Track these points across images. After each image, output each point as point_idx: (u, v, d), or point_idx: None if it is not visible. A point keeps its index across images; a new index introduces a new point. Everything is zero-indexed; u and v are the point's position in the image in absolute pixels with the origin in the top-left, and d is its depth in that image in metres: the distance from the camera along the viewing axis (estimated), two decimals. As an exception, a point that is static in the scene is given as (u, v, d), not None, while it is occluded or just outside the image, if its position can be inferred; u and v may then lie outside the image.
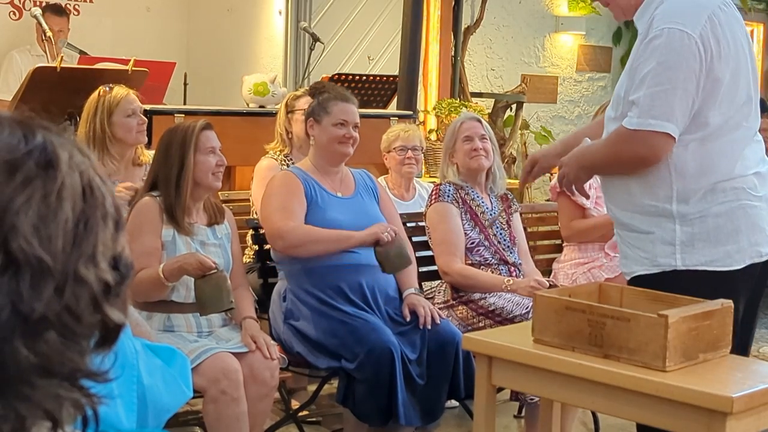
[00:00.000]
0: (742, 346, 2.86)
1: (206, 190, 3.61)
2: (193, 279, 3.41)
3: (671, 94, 2.63)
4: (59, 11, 6.96)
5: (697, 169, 2.70)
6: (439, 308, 3.93)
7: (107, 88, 4.20)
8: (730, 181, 2.74)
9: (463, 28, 7.67)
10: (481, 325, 3.94)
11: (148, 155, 4.16)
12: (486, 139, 4.24)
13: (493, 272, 4.09)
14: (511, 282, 4.01)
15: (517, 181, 7.98)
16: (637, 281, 2.82)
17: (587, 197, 2.99)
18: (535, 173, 3.21)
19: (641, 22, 2.78)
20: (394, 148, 4.77)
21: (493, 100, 7.98)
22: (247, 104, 5.53)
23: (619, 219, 2.86)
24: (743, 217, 2.75)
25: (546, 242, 5.01)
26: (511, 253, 4.20)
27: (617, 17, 2.95)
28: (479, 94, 7.97)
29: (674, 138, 2.65)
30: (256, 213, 4.29)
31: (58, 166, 0.86)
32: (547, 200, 5.22)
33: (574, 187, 2.91)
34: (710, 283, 2.72)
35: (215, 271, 3.36)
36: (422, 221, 4.27)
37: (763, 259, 2.80)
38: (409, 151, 4.77)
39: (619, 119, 2.75)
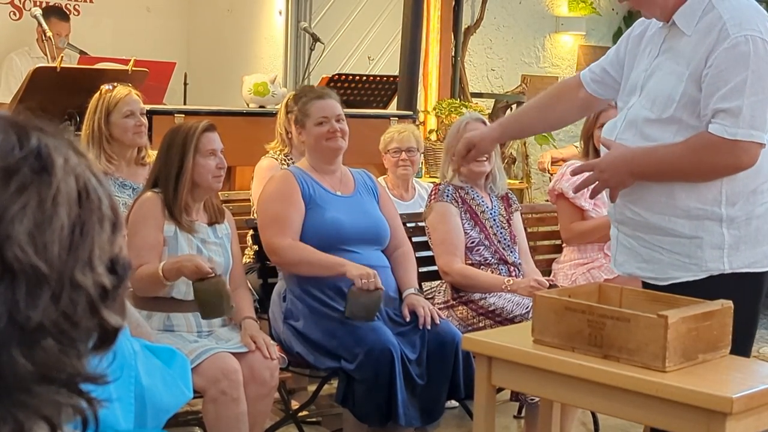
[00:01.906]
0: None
1: (206, 191, 3.61)
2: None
3: (765, 104, 2.61)
4: (63, 16, 6.96)
5: (746, 173, 2.68)
6: (439, 308, 3.93)
7: (110, 87, 4.20)
8: (767, 182, 2.76)
9: (463, 29, 7.67)
10: (481, 325, 3.93)
11: (153, 155, 4.16)
12: (490, 141, 4.24)
13: (492, 272, 4.09)
14: (511, 282, 4.00)
15: (517, 181, 7.99)
16: (680, 287, 2.74)
17: (614, 201, 2.89)
18: (471, 156, 3.16)
19: (686, 21, 2.69)
20: (389, 150, 4.76)
21: (494, 100, 7.97)
22: (247, 104, 5.53)
23: (649, 222, 2.76)
24: None
25: (546, 242, 5.01)
26: (511, 252, 4.19)
27: (650, 15, 2.80)
28: (479, 95, 7.96)
29: (764, 147, 2.63)
30: (256, 213, 4.29)
31: (53, 171, 0.86)
32: (547, 201, 5.23)
33: (607, 194, 2.81)
34: (749, 285, 2.72)
35: (212, 276, 3.36)
36: (422, 221, 4.27)
37: None
38: (404, 153, 4.74)
39: (667, 121, 2.68)
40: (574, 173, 2.95)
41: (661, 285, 2.79)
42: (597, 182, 2.78)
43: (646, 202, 2.77)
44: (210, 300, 3.36)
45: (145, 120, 4.22)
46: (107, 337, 0.89)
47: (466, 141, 3.13)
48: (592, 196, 2.89)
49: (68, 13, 7.25)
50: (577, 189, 3.01)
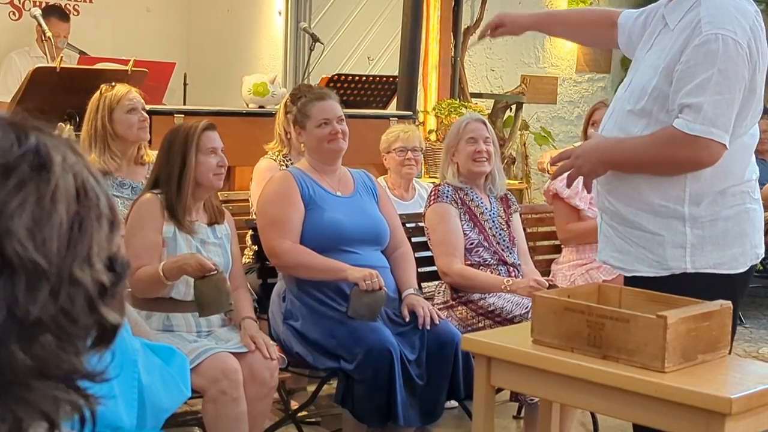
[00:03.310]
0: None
1: (207, 190, 3.62)
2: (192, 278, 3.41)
3: (730, 104, 2.62)
4: (63, 16, 6.95)
5: (712, 173, 2.69)
6: (439, 309, 3.93)
7: (109, 86, 4.22)
8: (740, 185, 2.76)
9: (462, 29, 7.67)
10: (480, 325, 3.93)
11: (152, 155, 4.17)
12: (489, 141, 4.25)
13: (492, 273, 4.09)
14: (511, 282, 4.00)
15: (516, 182, 7.99)
16: (641, 281, 2.79)
17: (589, 191, 2.96)
18: (499, 33, 3.19)
19: (673, 16, 2.75)
20: (393, 149, 4.77)
21: (493, 100, 7.98)
22: (247, 104, 5.53)
23: (620, 214, 2.82)
24: (747, 220, 2.78)
25: (545, 243, 5.01)
26: (510, 253, 4.19)
27: None
28: (479, 95, 7.97)
29: (726, 148, 2.65)
30: (255, 214, 4.29)
31: (52, 169, 0.86)
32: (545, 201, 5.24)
33: (581, 182, 2.85)
34: (716, 286, 2.72)
35: (215, 272, 3.36)
36: (422, 222, 4.27)
37: (758, 260, 2.84)
38: (409, 152, 4.76)
39: (639, 114, 2.73)
40: (553, 162, 2.99)
41: (627, 276, 2.85)
42: (572, 168, 2.83)
43: (618, 194, 2.82)
44: (210, 297, 3.36)
45: (147, 116, 4.24)
46: (106, 334, 0.89)
47: (499, 17, 3.18)
48: (569, 184, 2.92)
49: (68, 13, 7.24)
50: (555, 176, 3.04)
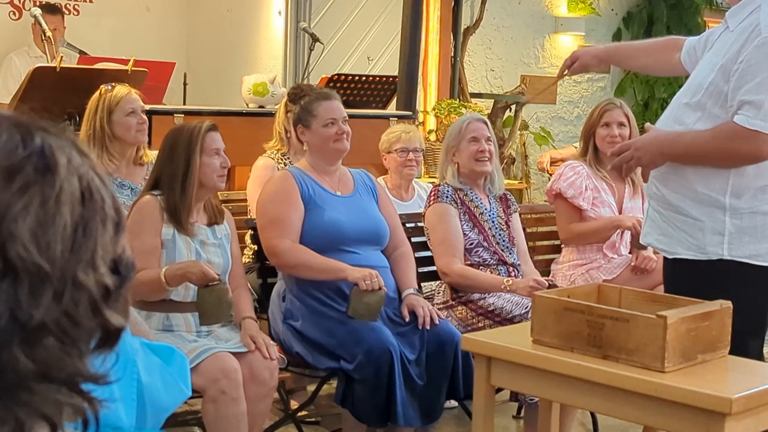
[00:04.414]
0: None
1: (209, 191, 3.61)
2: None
3: None
4: (52, 10, 6.94)
5: (756, 170, 2.84)
6: (439, 309, 3.93)
7: (109, 87, 4.21)
8: None
9: (462, 29, 7.67)
10: (480, 325, 3.94)
11: (151, 155, 4.17)
12: (490, 141, 4.25)
13: (492, 273, 4.09)
14: (511, 282, 4.01)
15: (516, 182, 7.99)
16: (681, 264, 2.92)
17: (646, 181, 3.11)
18: (575, 69, 3.40)
19: (734, 19, 2.89)
20: (395, 150, 4.76)
21: (493, 100, 7.98)
22: (247, 104, 5.53)
23: (666, 199, 2.95)
24: None
25: (545, 243, 5.01)
26: (509, 253, 4.20)
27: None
28: (479, 95, 7.97)
29: None
30: (252, 213, 4.29)
31: (57, 171, 0.86)
32: (546, 201, 5.23)
33: (640, 173, 3.01)
34: (751, 276, 2.85)
35: (218, 282, 3.37)
36: (421, 222, 4.27)
37: None
38: (410, 153, 4.76)
39: (694, 107, 2.86)
40: (612, 154, 3.12)
41: (669, 258, 2.98)
42: (631, 159, 2.98)
43: (666, 181, 2.96)
44: (212, 307, 3.38)
45: (146, 118, 4.24)
46: (109, 337, 0.89)
47: (573, 54, 3.42)
48: (626, 174, 3.09)
49: (63, 11, 7.21)
50: (615, 166, 3.17)
